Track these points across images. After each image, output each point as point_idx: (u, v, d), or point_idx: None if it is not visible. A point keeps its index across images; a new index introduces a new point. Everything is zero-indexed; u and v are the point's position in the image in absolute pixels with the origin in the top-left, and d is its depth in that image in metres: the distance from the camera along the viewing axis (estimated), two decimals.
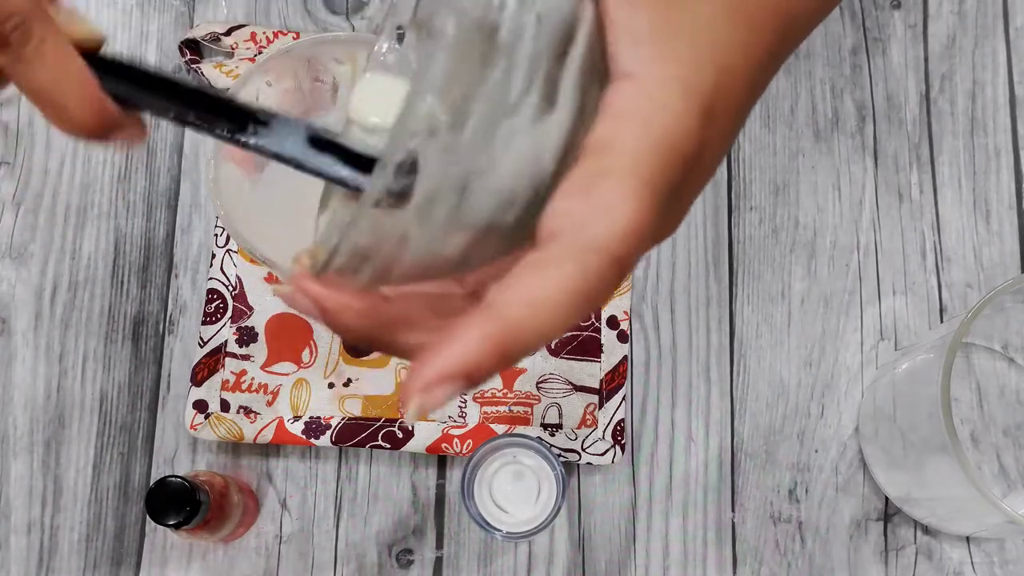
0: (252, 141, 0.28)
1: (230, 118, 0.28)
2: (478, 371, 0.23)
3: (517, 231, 0.25)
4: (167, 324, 0.65)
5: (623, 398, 0.63)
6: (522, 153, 0.24)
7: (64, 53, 0.27)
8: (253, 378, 0.62)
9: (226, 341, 0.63)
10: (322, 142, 0.28)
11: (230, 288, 0.64)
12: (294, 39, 0.68)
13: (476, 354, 0.23)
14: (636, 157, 0.24)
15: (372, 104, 0.29)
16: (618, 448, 0.62)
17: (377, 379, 0.63)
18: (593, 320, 0.64)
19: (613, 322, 0.64)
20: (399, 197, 0.24)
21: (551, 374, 0.63)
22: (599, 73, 0.25)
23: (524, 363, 0.63)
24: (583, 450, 0.62)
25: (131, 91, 0.28)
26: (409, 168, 0.23)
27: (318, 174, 0.28)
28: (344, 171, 0.28)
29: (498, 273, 0.25)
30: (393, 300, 0.26)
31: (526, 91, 0.24)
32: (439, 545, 0.62)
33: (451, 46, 0.23)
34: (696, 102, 0.25)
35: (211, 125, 0.28)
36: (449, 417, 0.62)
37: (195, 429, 0.61)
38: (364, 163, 0.28)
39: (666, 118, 0.24)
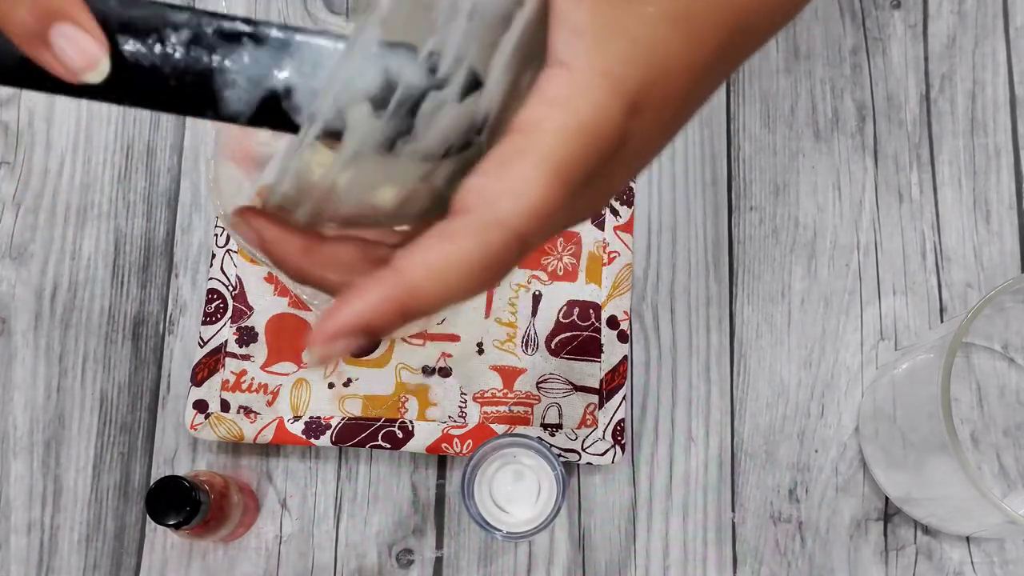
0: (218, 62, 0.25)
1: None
2: (377, 327, 0.25)
3: (449, 194, 0.26)
4: (167, 324, 0.65)
5: (623, 398, 0.63)
6: (448, 123, 0.25)
7: None
8: (253, 378, 0.62)
9: (226, 341, 0.63)
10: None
11: (230, 288, 0.64)
12: None
13: (375, 311, 0.25)
14: (553, 142, 0.25)
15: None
16: (618, 448, 0.62)
17: (377, 379, 0.63)
18: (593, 320, 0.64)
19: (613, 322, 0.64)
20: (333, 137, 0.25)
21: (551, 374, 0.63)
22: (537, 59, 0.26)
23: (524, 363, 0.63)
24: (583, 450, 0.62)
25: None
26: (338, 121, 0.25)
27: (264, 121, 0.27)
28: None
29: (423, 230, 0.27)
30: (329, 240, 0.28)
31: (455, 67, 0.25)
32: (439, 545, 0.62)
33: (384, 17, 0.24)
34: (622, 97, 0.26)
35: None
36: (449, 417, 0.62)
37: (195, 429, 0.61)
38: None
39: (589, 108, 0.26)
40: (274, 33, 0.25)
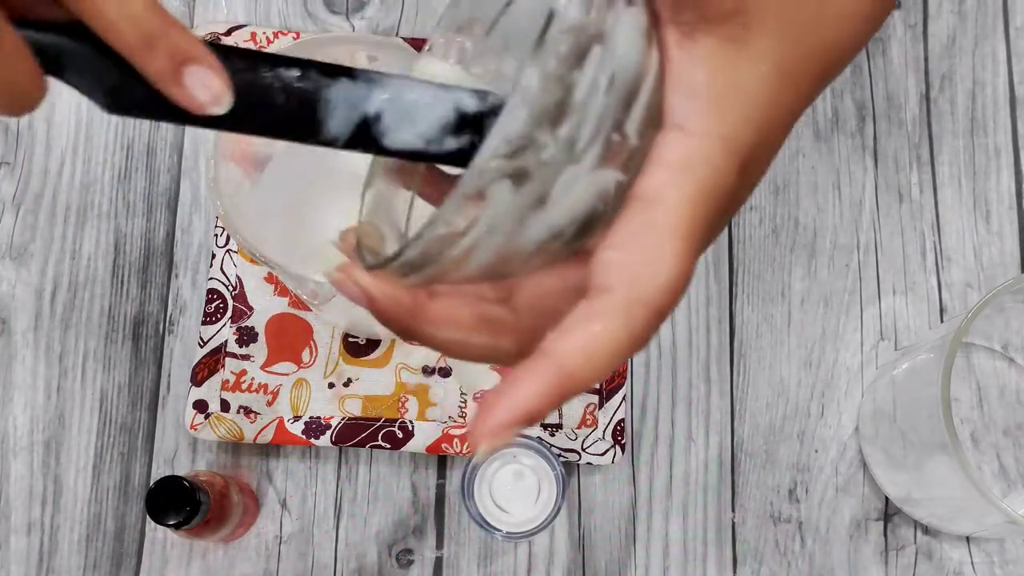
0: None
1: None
2: (539, 414, 0.26)
3: (554, 255, 0.27)
4: (167, 324, 0.65)
5: (623, 398, 0.63)
6: (580, 197, 0.26)
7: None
8: (253, 378, 0.62)
9: (226, 341, 0.63)
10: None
11: (230, 288, 0.64)
12: (294, 39, 0.68)
13: (538, 399, 0.26)
14: (680, 212, 0.26)
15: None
16: (618, 448, 0.62)
17: (377, 379, 0.63)
18: None
19: None
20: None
21: None
22: (655, 121, 0.27)
23: None
24: (583, 450, 0.62)
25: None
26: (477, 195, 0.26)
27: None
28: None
29: (533, 288, 0.28)
30: (437, 298, 0.28)
31: (591, 142, 0.25)
32: (439, 545, 0.62)
33: (532, 99, 0.24)
34: (737, 159, 0.27)
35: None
36: (449, 417, 0.62)
37: (195, 429, 0.61)
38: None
39: (709, 173, 0.26)
40: (365, 72, 0.29)
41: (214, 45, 0.27)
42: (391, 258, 0.26)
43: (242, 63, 0.27)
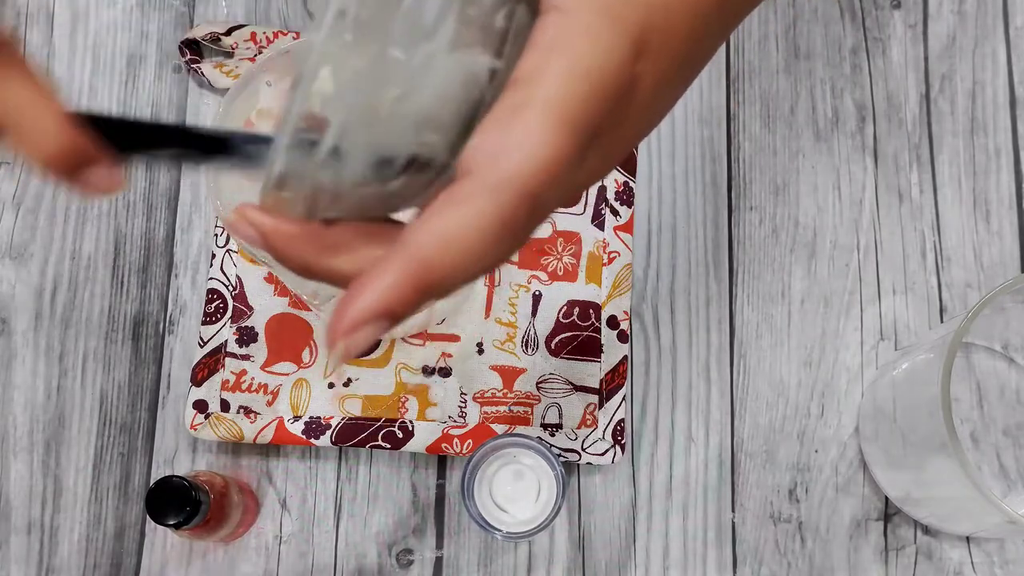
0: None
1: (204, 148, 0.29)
2: (398, 308, 0.24)
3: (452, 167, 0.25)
4: (167, 324, 0.65)
5: (623, 398, 0.63)
6: (444, 79, 0.24)
7: (37, 79, 0.27)
8: (253, 378, 0.62)
9: (226, 341, 0.63)
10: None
11: (230, 288, 0.64)
12: (294, 39, 0.68)
13: (394, 292, 0.24)
14: (557, 89, 0.24)
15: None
16: (618, 448, 0.62)
17: (377, 379, 0.63)
18: (593, 320, 0.64)
19: (613, 322, 0.64)
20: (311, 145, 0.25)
21: (551, 374, 0.63)
22: (532, 7, 0.25)
23: (524, 363, 0.63)
24: (583, 450, 0.62)
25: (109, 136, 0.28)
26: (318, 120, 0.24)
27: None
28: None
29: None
30: (332, 227, 0.26)
31: (442, 16, 0.23)
32: (439, 545, 0.62)
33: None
34: (626, 36, 0.25)
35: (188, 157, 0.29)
36: (449, 417, 0.62)
37: (195, 429, 0.61)
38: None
39: (590, 49, 0.24)
40: (239, 149, 0.28)
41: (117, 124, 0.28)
42: (263, 186, 0.25)
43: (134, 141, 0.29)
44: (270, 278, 0.64)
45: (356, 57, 0.23)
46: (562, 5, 0.24)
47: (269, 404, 0.62)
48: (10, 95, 0.26)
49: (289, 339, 0.63)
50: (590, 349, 0.63)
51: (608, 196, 0.66)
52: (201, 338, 0.63)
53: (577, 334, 0.64)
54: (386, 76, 0.24)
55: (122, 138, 0.28)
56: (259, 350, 0.63)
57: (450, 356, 0.63)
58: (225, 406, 0.62)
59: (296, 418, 0.61)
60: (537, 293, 0.64)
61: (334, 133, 0.24)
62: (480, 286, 0.64)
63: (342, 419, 0.61)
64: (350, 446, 0.61)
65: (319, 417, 0.62)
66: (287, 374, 0.63)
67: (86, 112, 0.27)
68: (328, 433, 0.61)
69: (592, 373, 0.63)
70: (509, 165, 0.23)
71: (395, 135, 0.24)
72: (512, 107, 0.24)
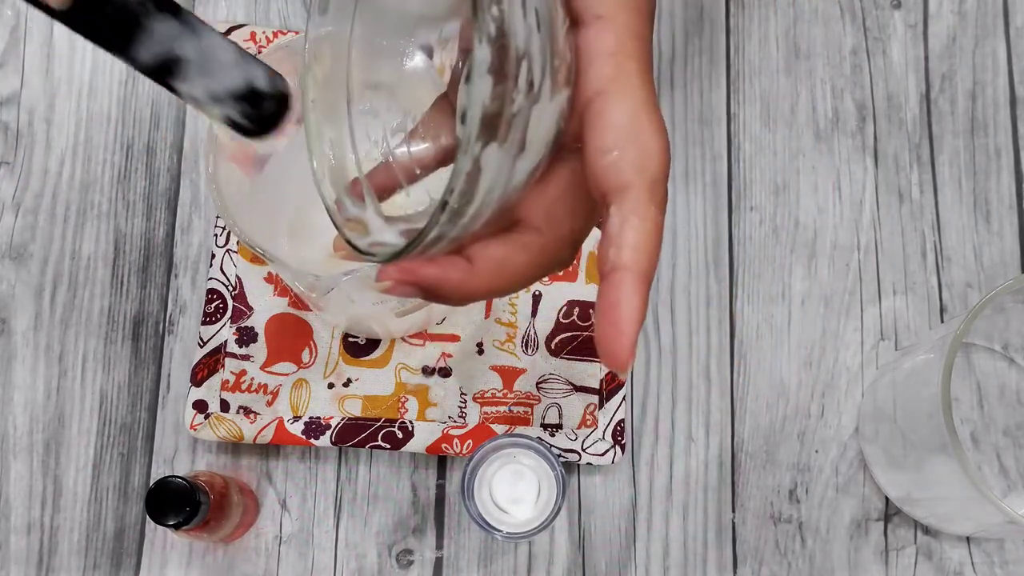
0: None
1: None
2: (640, 317, 0.29)
3: (535, 174, 0.30)
4: (167, 324, 0.65)
5: (623, 398, 0.63)
6: (548, 127, 0.28)
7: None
8: (253, 378, 0.62)
9: (226, 341, 0.63)
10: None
11: (230, 288, 0.64)
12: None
13: (638, 304, 0.29)
14: (640, 89, 0.29)
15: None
16: (618, 448, 0.62)
17: (377, 379, 0.63)
18: (593, 320, 0.64)
19: None
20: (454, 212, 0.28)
21: (551, 374, 0.63)
22: (569, 28, 0.29)
23: (524, 363, 0.63)
24: (583, 450, 0.62)
25: None
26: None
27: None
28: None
29: (538, 203, 0.31)
30: (467, 250, 0.31)
31: (543, 77, 0.27)
32: (439, 545, 0.62)
33: (487, 64, 0.26)
34: (646, 17, 0.30)
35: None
36: (449, 417, 0.62)
37: (195, 429, 0.61)
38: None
39: (638, 44, 0.29)
40: (190, 18, 0.33)
41: None
42: (414, 242, 0.28)
43: None
44: (270, 278, 0.64)
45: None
46: (603, 13, 0.29)
47: (269, 404, 0.62)
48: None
49: (289, 339, 0.63)
50: (590, 349, 0.63)
51: None
52: (201, 338, 0.63)
53: (577, 334, 0.64)
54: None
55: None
56: (259, 350, 0.63)
57: (450, 356, 0.63)
58: (225, 406, 0.62)
59: (296, 418, 0.61)
60: (537, 293, 0.64)
61: (476, 206, 0.28)
62: None
63: (342, 419, 0.61)
64: (350, 446, 0.61)
65: (319, 417, 0.62)
66: (287, 374, 0.62)
67: None
68: (328, 433, 0.61)
69: (592, 373, 0.63)
70: (654, 167, 0.29)
71: (518, 184, 0.29)
72: (623, 115, 0.29)
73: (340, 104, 0.35)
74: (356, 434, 0.61)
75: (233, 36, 0.68)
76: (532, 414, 0.62)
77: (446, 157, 0.35)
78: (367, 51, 0.35)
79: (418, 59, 0.37)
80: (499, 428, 0.62)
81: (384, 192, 0.35)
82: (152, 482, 0.57)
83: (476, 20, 0.25)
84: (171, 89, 0.34)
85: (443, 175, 0.30)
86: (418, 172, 0.35)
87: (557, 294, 0.64)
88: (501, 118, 0.26)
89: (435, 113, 0.35)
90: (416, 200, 0.35)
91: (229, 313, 0.63)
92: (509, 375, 0.63)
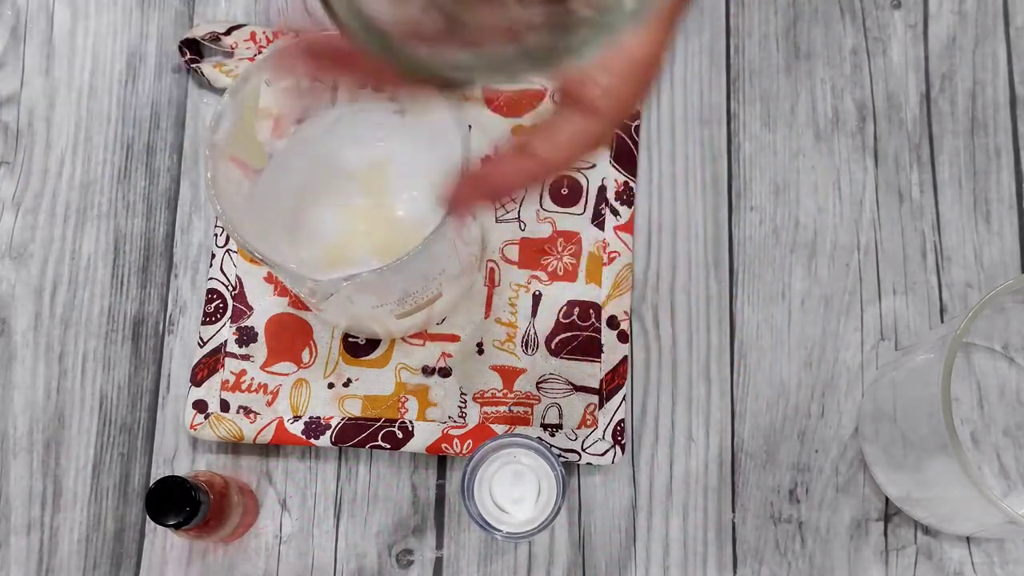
0: None
1: None
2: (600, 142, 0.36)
3: None
4: (167, 324, 0.65)
5: (623, 398, 0.63)
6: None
7: None
8: (253, 378, 0.62)
9: (226, 341, 0.63)
10: None
11: (230, 288, 0.64)
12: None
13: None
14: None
15: None
16: (618, 448, 0.62)
17: (377, 379, 0.62)
18: (593, 320, 0.64)
19: (613, 322, 0.64)
20: None
21: (551, 374, 0.63)
22: None
23: (524, 363, 0.63)
24: (583, 450, 0.62)
25: None
26: None
27: None
28: None
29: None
30: (521, 135, 0.35)
31: None
32: (439, 545, 0.62)
33: None
34: None
35: None
36: (449, 417, 0.62)
37: (195, 429, 0.61)
38: None
39: None
40: None
41: None
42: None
43: None
44: (270, 278, 0.64)
45: None
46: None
47: (269, 404, 0.62)
48: None
49: (289, 339, 0.63)
50: (590, 349, 0.63)
51: (608, 196, 0.66)
52: (201, 338, 0.63)
53: (577, 334, 0.64)
54: None
55: None
56: (259, 350, 0.63)
57: (450, 356, 0.63)
58: (225, 406, 0.62)
59: (296, 418, 0.61)
60: (537, 293, 0.64)
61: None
62: (480, 285, 0.64)
63: (342, 419, 0.61)
64: (350, 446, 0.61)
65: (319, 417, 0.62)
66: (287, 374, 0.62)
67: None
68: (328, 433, 0.61)
69: (592, 373, 0.63)
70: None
71: None
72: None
73: None
74: (356, 434, 0.61)
75: (233, 36, 0.68)
76: (532, 414, 0.62)
77: None
78: None
79: None
80: (499, 428, 0.62)
81: None
82: (152, 482, 0.57)
83: None
84: None
85: None
86: None
87: (557, 294, 0.64)
88: None
89: None
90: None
91: (229, 313, 0.63)
92: (509, 375, 0.63)
